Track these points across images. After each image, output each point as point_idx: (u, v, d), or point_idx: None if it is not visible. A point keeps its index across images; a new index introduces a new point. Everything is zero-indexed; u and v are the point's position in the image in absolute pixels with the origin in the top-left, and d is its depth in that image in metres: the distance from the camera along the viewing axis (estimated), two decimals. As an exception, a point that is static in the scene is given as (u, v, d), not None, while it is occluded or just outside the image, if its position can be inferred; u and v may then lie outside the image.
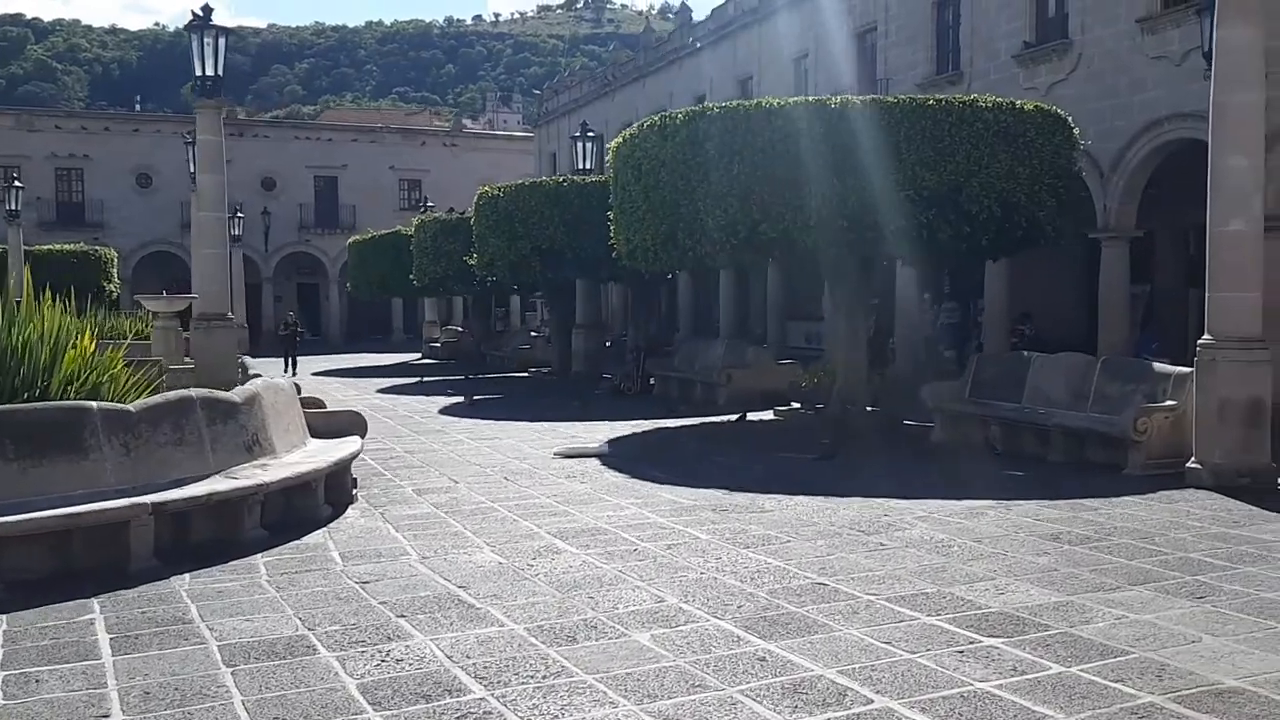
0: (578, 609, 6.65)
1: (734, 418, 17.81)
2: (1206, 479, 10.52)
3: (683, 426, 17.03)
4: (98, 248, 40.65)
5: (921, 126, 14.16)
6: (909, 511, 9.65)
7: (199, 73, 17.68)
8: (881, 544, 8.40)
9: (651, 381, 22.33)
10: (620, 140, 16.71)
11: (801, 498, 10.40)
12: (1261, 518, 9.24)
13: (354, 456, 10.60)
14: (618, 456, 13.52)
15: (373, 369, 33.71)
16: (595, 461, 13.12)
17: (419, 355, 40.92)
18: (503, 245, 22.68)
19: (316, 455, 10.00)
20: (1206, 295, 11.05)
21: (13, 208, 34.83)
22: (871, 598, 6.88)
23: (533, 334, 34.78)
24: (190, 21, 17.53)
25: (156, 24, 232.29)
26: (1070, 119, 15.77)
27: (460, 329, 38.89)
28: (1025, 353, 14.53)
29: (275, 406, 10.04)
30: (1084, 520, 9.21)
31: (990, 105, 14.57)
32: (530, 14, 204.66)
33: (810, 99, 14.66)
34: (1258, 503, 9.77)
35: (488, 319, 35.72)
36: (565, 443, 14.86)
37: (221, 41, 17.73)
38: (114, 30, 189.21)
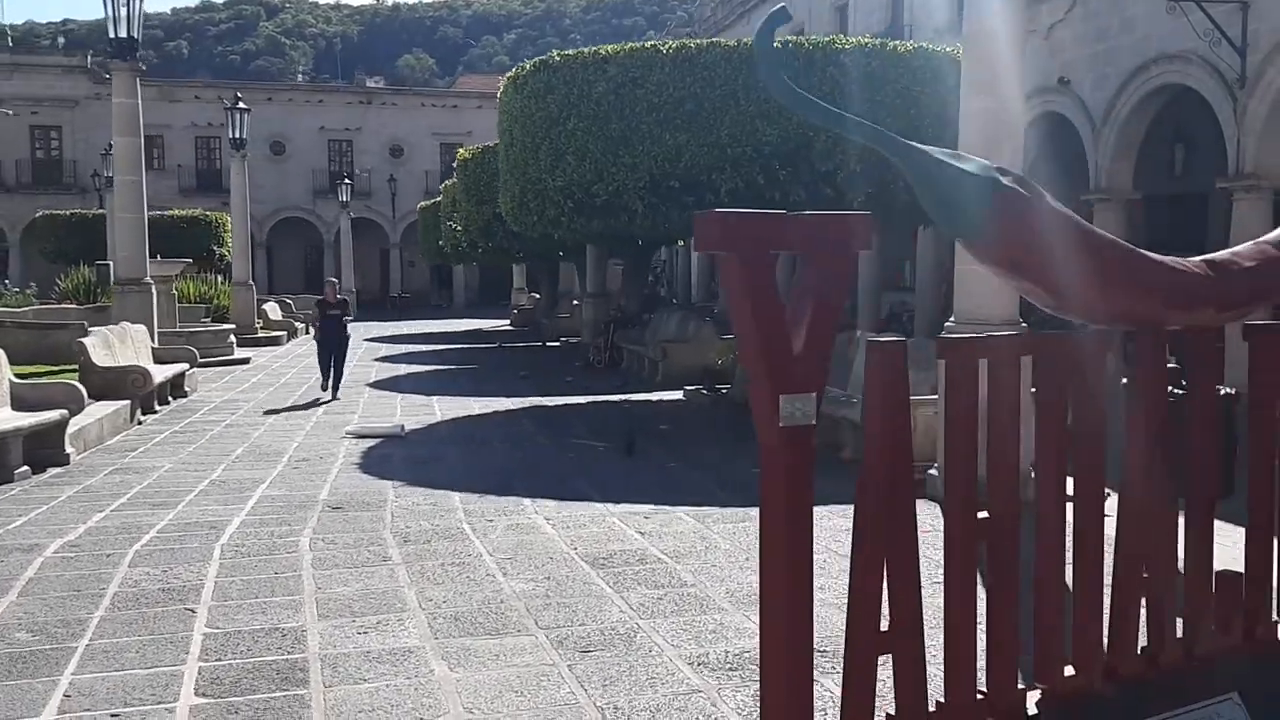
0: None
1: (676, 396, 16.29)
2: (942, 489, 8.65)
3: (560, 406, 15.76)
4: (209, 213, 41.87)
5: (763, 73, 12.44)
6: (508, 516, 8.32)
7: (112, 34, 17.52)
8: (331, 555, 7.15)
9: (622, 355, 21.08)
10: (499, 91, 15.60)
11: (454, 494, 9.21)
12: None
13: (17, 433, 10.02)
14: (404, 440, 12.52)
15: (443, 335, 33.40)
16: (369, 443, 12.16)
17: (509, 323, 40.61)
18: (472, 209, 21.85)
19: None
20: (955, 269, 9.14)
21: (108, 174, 36.16)
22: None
23: (574, 303, 33.77)
24: (104, -19, 17.30)
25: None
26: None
27: (538, 295, 38.25)
28: (859, 333, 12.63)
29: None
30: (669, 534, 7.67)
31: (850, 47, 12.70)
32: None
33: (647, 45, 13.11)
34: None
35: (553, 285, 34.97)
36: (408, 419, 13.96)
37: (137, 3, 17.47)
38: (338, 6, 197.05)
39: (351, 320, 18.50)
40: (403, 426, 13.05)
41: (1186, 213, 18.91)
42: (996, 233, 2.99)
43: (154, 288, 18.36)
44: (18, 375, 14.13)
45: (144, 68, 18.62)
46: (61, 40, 72.97)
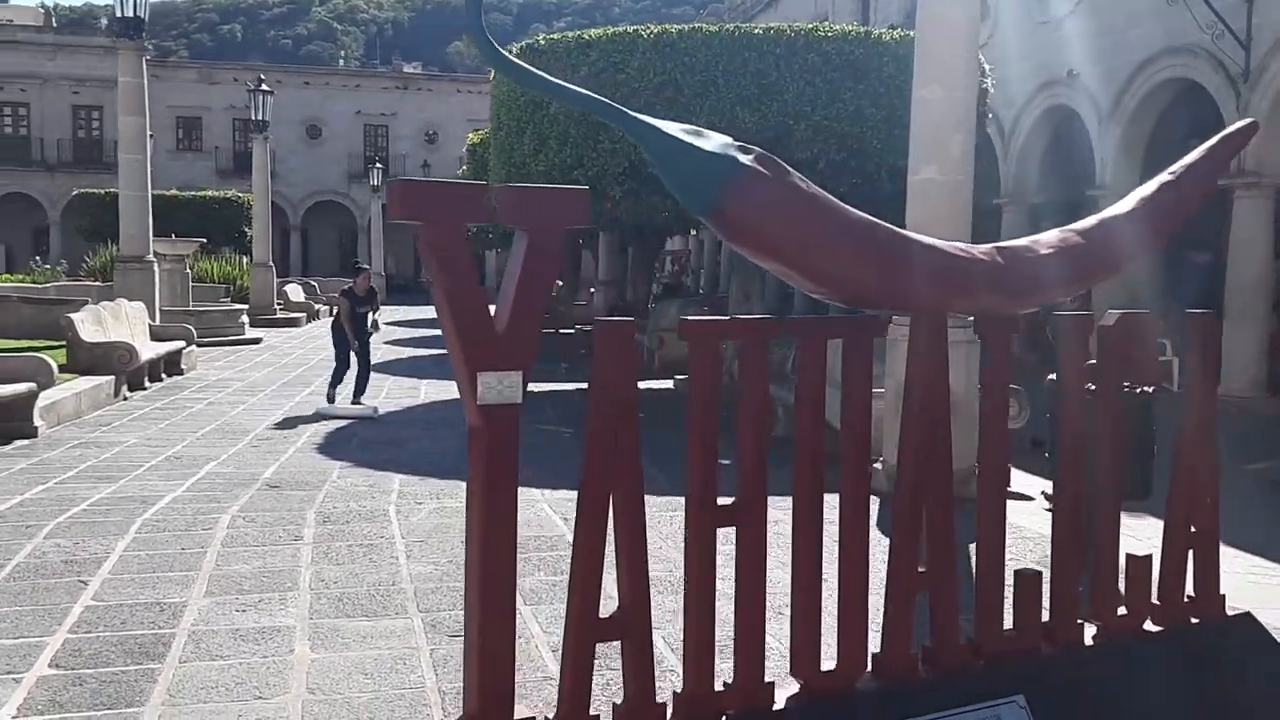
0: None
1: (667, 385, 16.33)
2: (885, 483, 8.53)
3: (544, 392, 15.81)
4: (241, 195, 42.21)
5: (743, 59, 12.34)
6: (438, 499, 8.32)
7: (119, 13, 17.69)
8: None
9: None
10: (491, 75, 15.60)
11: (396, 476, 9.22)
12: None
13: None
14: (374, 422, 12.57)
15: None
16: (338, 424, 12.22)
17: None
18: (479, 195, 21.85)
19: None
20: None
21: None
22: None
23: (591, 290, 33.69)
24: (111, -38, 17.47)
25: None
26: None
27: (561, 282, 38.26)
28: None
29: None
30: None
31: (833, 35, 12.53)
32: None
33: (629, 29, 13.02)
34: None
35: (575, 272, 34.96)
36: (390, 401, 14.01)
37: (144, -18, 17.63)
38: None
39: (377, 315, 14.59)
40: (375, 409, 13.09)
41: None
42: (736, 212, 2.90)
43: (155, 265, 18.52)
44: (14, 349, 14.39)
45: (149, 47, 18.79)
46: (104, 22, 73.82)
